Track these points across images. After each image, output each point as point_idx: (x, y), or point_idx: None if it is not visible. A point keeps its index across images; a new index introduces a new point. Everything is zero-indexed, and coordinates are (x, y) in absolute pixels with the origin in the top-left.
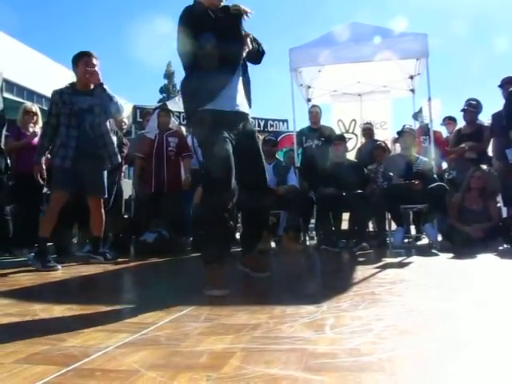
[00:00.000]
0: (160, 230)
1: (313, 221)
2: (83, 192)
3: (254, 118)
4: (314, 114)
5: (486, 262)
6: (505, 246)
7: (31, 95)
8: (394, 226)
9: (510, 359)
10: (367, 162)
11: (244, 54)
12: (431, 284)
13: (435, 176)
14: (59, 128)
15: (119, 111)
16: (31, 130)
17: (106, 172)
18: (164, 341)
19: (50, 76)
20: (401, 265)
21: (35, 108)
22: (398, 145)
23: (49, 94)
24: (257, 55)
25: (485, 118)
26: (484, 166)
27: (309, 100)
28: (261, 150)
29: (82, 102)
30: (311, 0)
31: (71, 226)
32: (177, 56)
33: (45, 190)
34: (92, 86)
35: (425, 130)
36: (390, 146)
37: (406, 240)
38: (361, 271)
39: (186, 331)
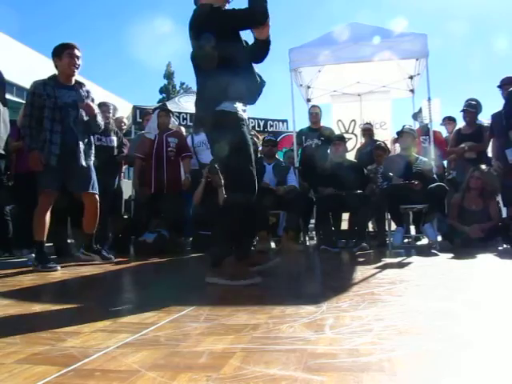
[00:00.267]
0: (160, 230)
1: (312, 221)
2: (73, 190)
3: (253, 118)
4: (314, 114)
5: (486, 262)
6: (504, 246)
7: None
8: (393, 226)
9: (510, 359)
10: (367, 162)
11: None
12: (431, 284)
13: (435, 176)
14: (42, 122)
15: (99, 128)
16: None
17: (93, 167)
18: (164, 341)
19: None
20: (400, 265)
21: None
22: (397, 145)
23: None
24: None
25: (484, 119)
26: (483, 166)
27: (308, 100)
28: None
29: (65, 97)
30: (311, 0)
31: (66, 226)
32: (176, 56)
33: None
34: (73, 81)
35: (424, 130)
36: (389, 146)
37: (405, 240)
38: (360, 271)
39: (186, 331)
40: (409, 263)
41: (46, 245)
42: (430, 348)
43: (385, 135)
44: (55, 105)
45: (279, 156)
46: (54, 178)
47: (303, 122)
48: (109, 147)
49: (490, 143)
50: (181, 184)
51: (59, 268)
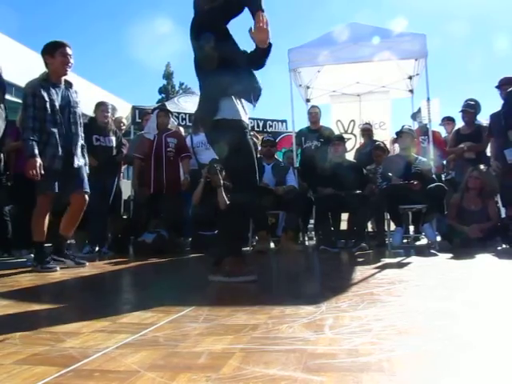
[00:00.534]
0: (159, 230)
1: (312, 221)
2: (67, 192)
3: (253, 119)
4: (314, 114)
5: (485, 262)
6: (503, 246)
7: None
8: (392, 227)
9: (510, 359)
10: (366, 162)
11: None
12: (430, 284)
13: (434, 176)
14: (43, 124)
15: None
16: None
17: (84, 167)
18: (163, 341)
19: None
20: (400, 265)
21: None
22: (396, 145)
23: None
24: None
25: (483, 119)
26: (482, 166)
27: (308, 100)
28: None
29: (61, 97)
30: (310, 0)
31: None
32: (176, 56)
33: None
34: (63, 81)
35: (424, 130)
36: (388, 146)
37: (404, 240)
38: (360, 271)
39: (186, 332)
40: (408, 263)
41: (45, 245)
42: (429, 348)
43: (384, 135)
44: (53, 106)
45: (278, 156)
46: (55, 180)
47: (302, 123)
48: (108, 147)
49: (489, 143)
50: (180, 184)
51: (58, 268)
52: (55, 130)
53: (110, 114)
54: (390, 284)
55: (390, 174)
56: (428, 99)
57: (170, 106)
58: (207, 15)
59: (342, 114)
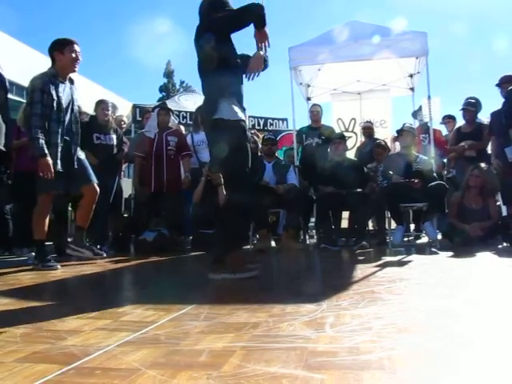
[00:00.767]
0: (160, 228)
1: (312, 219)
2: (75, 189)
3: (253, 117)
4: (315, 113)
5: (486, 260)
6: (504, 244)
7: None
8: (393, 225)
9: (510, 358)
10: (367, 160)
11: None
12: (431, 282)
13: (435, 174)
14: (48, 123)
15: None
16: None
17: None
18: (164, 339)
19: None
20: (400, 263)
21: None
22: (397, 143)
23: None
24: None
25: (484, 117)
26: (482, 164)
27: (308, 99)
28: None
29: (66, 95)
30: None
31: (66, 224)
32: (176, 54)
33: None
34: (68, 78)
35: (424, 128)
36: (389, 144)
37: (405, 238)
38: (360, 270)
39: (186, 330)
40: (409, 261)
41: (46, 243)
42: (429, 346)
43: (385, 133)
44: (60, 105)
45: (279, 155)
46: (56, 179)
47: (303, 121)
48: (108, 146)
49: (490, 141)
50: (181, 183)
51: (59, 267)
52: (59, 129)
53: (110, 112)
54: (391, 282)
55: (390, 173)
56: (429, 97)
57: (170, 104)
58: (214, 23)
59: (342, 113)
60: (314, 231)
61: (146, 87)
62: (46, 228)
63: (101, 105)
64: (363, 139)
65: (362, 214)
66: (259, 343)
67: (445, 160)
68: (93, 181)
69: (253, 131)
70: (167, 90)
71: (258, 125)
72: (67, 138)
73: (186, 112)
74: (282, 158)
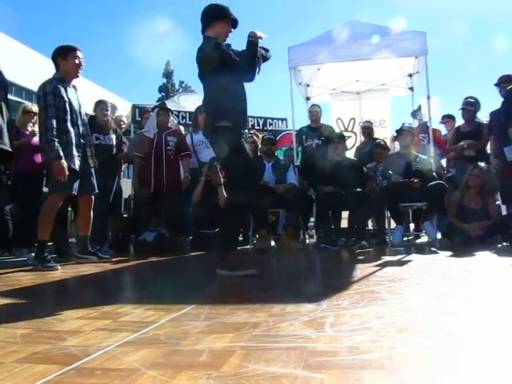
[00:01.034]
0: (159, 229)
1: (312, 219)
2: (81, 192)
3: (253, 117)
4: (314, 113)
5: (485, 260)
6: (504, 243)
7: (30, 95)
8: (393, 225)
9: (510, 357)
10: (366, 160)
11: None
12: (430, 282)
13: (435, 174)
14: (62, 124)
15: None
16: (30, 129)
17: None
18: (164, 339)
19: (48, 76)
20: (400, 263)
21: (35, 108)
22: (397, 143)
23: None
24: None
25: (483, 117)
26: (482, 164)
27: (308, 98)
28: None
29: (74, 98)
30: None
31: (67, 225)
32: (175, 55)
33: (45, 189)
34: (71, 84)
35: (424, 128)
36: (389, 144)
37: (405, 238)
38: (360, 269)
39: (186, 330)
40: (408, 261)
41: (48, 244)
42: (429, 346)
43: (384, 133)
44: (71, 106)
45: (279, 154)
46: (71, 180)
47: (302, 121)
48: (108, 146)
49: (489, 141)
50: (180, 183)
51: (59, 267)
52: (73, 130)
53: (109, 113)
54: (391, 282)
55: (390, 172)
56: (428, 97)
57: (170, 104)
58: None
59: (342, 112)
60: (313, 231)
61: (146, 87)
62: (51, 228)
63: (100, 105)
64: (363, 139)
65: (362, 213)
66: (259, 343)
67: (443, 161)
68: (95, 191)
69: (252, 131)
70: (166, 91)
71: (258, 125)
72: (82, 140)
73: (186, 112)
74: (281, 158)
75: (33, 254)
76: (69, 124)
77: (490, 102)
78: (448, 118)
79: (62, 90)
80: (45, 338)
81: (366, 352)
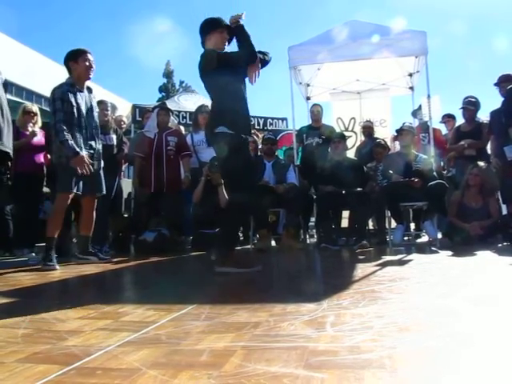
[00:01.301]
0: (160, 228)
1: (313, 219)
2: (86, 192)
3: (253, 117)
4: (316, 112)
5: (486, 259)
6: (504, 243)
7: (30, 95)
8: (393, 224)
9: (511, 356)
10: (367, 160)
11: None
12: (431, 281)
13: (435, 174)
14: (69, 127)
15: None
16: (30, 129)
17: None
18: (165, 339)
19: (48, 76)
20: (401, 262)
21: (35, 108)
22: (397, 143)
23: (48, 94)
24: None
25: (483, 116)
26: (482, 163)
27: (308, 98)
28: None
29: (84, 102)
30: None
31: (69, 225)
32: (176, 55)
33: (45, 189)
34: (85, 86)
35: (424, 127)
36: (389, 143)
37: (405, 238)
38: (361, 269)
39: (187, 330)
40: (409, 261)
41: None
42: (430, 345)
43: (384, 133)
44: (80, 111)
45: (279, 154)
46: (78, 180)
47: (303, 120)
48: (108, 146)
49: (490, 140)
50: (180, 183)
51: (57, 267)
52: (81, 134)
53: (109, 113)
54: (391, 281)
55: (390, 172)
56: (428, 96)
57: (170, 104)
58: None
59: (342, 112)
60: (314, 230)
61: (146, 87)
62: (60, 228)
63: (100, 105)
64: (363, 138)
65: (362, 213)
66: (260, 343)
67: (443, 160)
68: (102, 193)
69: (252, 131)
70: (167, 90)
71: (258, 124)
72: (93, 142)
73: (186, 112)
74: (281, 158)
75: (33, 254)
76: (75, 128)
77: (490, 102)
78: (448, 118)
79: (71, 95)
80: (45, 337)
81: (367, 351)
